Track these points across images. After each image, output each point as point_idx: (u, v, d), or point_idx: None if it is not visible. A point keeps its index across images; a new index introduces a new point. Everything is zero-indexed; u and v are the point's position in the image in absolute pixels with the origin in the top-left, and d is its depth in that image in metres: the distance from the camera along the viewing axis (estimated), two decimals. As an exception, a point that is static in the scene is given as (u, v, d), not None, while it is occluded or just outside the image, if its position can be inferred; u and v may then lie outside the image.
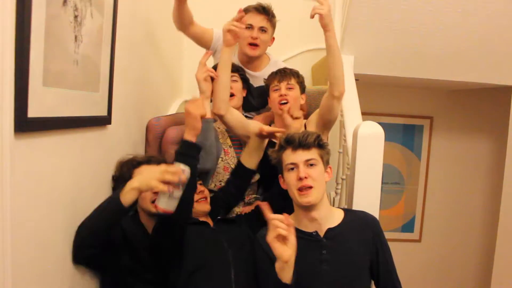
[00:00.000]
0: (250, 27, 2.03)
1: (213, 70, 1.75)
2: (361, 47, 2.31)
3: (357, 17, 2.15)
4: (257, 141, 1.64)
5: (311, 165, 1.31)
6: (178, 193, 1.24)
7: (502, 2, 2.07)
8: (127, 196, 1.22)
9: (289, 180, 1.32)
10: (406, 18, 2.14)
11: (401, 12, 2.11)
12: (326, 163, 1.36)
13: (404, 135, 3.46)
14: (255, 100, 2.09)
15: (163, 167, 1.23)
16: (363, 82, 2.56)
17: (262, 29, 2.04)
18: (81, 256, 1.26)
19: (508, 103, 2.67)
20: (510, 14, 2.11)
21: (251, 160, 1.67)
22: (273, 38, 2.14)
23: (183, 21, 2.01)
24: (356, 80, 2.13)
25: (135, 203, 1.33)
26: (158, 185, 1.19)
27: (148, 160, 1.56)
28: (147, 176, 1.23)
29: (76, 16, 1.14)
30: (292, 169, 1.31)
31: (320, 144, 1.34)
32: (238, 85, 1.93)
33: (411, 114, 3.45)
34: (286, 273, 1.13)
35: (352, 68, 2.26)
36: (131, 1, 1.70)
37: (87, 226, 1.25)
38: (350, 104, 1.93)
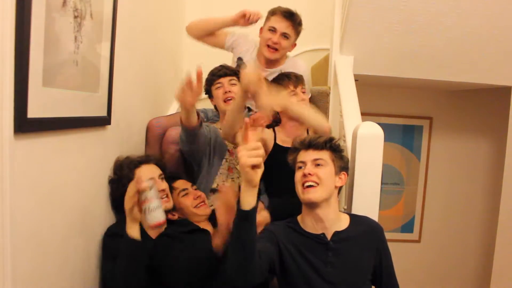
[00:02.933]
0: (273, 30, 2.02)
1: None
2: (361, 47, 2.31)
3: (357, 17, 2.15)
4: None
5: (319, 165, 1.33)
6: (153, 203, 1.23)
7: (502, 3, 2.07)
8: (133, 232, 1.24)
9: (296, 178, 1.35)
10: (405, 18, 2.14)
11: (401, 12, 2.11)
12: (339, 168, 1.36)
13: (404, 135, 3.46)
14: None
15: (128, 190, 1.23)
16: (363, 83, 2.56)
17: (285, 35, 2.03)
18: None
19: (508, 103, 2.67)
20: (510, 14, 2.11)
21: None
22: (295, 44, 2.14)
23: (203, 35, 2.07)
24: (355, 80, 2.13)
25: None
26: (131, 211, 1.22)
27: (147, 159, 1.57)
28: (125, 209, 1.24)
29: (76, 17, 1.14)
30: (301, 167, 1.34)
31: (333, 148, 1.36)
32: (238, 88, 1.92)
33: (411, 115, 3.45)
34: (250, 198, 1.08)
35: (351, 68, 2.26)
36: (131, 2, 1.70)
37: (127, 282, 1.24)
38: (349, 105, 1.93)
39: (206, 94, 1.99)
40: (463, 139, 3.47)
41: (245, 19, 1.90)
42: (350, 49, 2.32)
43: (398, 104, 3.43)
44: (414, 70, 2.45)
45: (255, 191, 1.09)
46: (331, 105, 2.31)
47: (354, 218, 1.40)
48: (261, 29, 2.13)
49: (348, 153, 1.70)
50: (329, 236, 1.32)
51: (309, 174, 1.29)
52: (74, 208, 1.25)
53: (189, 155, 1.85)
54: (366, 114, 2.05)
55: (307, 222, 1.35)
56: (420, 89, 3.40)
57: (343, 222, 1.37)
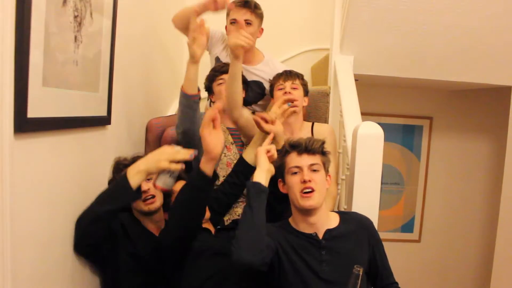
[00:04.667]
0: (234, 22, 2.05)
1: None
2: (361, 47, 2.31)
3: (357, 17, 2.15)
4: (261, 134, 1.63)
5: (315, 170, 1.34)
6: (177, 172, 1.33)
7: (501, 3, 2.07)
8: (135, 179, 1.25)
9: (292, 183, 1.34)
10: (406, 18, 2.14)
11: (401, 12, 2.11)
12: (326, 170, 1.39)
13: (404, 135, 3.46)
14: (249, 95, 2.11)
15: (172, 149, 1.30)
16: (363, 83, 2.56)
17: (247, 22, 2.05)
18: (83, 244, 1.26)
19: (508, 103, 2.67)
20: (510, 14, 2.11)
21: (252, 155, 1.62)
22: (262, 29, 2.15)
23: (185, 25, 2.03)
24: (355, 80, 2.13)
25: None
26: (169, 165, 1.27)
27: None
28: (154, 159, 1.29)
29: (76, 17, 1.14)
30: (296, 173, 1.34)
31: (323, 152, 1.38)
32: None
33: (411, 115, 3.45)
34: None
35: (351, 68, 2.26)
36: (131, 1, 1.70)
37: (91, 212, 1.24)
38: (349, 105, 1.93)
39: (206, 91, 1.99)
40: (463, 139, 3.47)
41: (215, 4, 1.91)
42: (350, 49, 2.32)
43: (398, 104, 3.43)
44: (414, 70, 2.45)
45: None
46: (331, 105, 2.30)
47: (343, 216, 1.42)
48: (226, 27, 2.14)
49: (348, 153, 1.70)
50: (321, 235, 1.34)
51: (309, 180, 1.30)
52: (74, 208, 1.25)
53: (186, 137, 1.77)
54: (366, 114, 2.05)
55: (299, 223, 1.36)
56: (420, 89, 3.40)
57: (333, 220, 1.39)
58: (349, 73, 2.18)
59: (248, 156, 1.65)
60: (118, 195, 1.26)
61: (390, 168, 3.44)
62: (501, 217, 2.64)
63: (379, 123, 1.53)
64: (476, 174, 3.48)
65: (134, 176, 1.25)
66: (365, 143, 1.51)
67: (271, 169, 1.37)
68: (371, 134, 1.51)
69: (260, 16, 2.11)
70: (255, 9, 2.08)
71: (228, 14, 2.10)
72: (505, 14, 2.11)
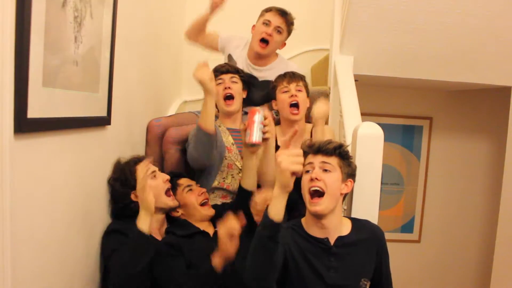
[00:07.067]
0: (267, 23, 2.08)
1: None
2: (361, 47, 2.31)
3: (357, 17, 2.15)
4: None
5: (326, 170, 1.31)
6: (261, 125, 1.45)
7: (501, 3, 2.07)
8: (145, 226, 1.30)
9: (303, 182, 1.32)
10: (405, 18, 2.14)
11: (401, 12, 2.11)
12: (346, 175, 1.34)
13: (404, 135, 3.46)
14: (258, 94, 2.11)
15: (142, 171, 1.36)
16: (362, 83, 2.56)
17: (278, 30, 2.10)
18: None
19: (507, 104, 2.67)
20: (510, 14, 2.11)
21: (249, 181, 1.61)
22: (284, 44, 2.20)
23: (200, 32, 2.13)
24: (355, 80, 2.13)
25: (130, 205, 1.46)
26: (145, 198, 1.32)
27: (141, 159, 1.58)
28: (143, 197, 1.32)
29: (75, 17, 1.14)
30: (308, 171, 1.32)
31: (341, 154, 1.34)
32: (238, 86, 1.93)
33: (411, 115, 3.45)
34: (281, 207, 1.11)
35: (351, 68, 2.26)
36: (131, 2, 1.70)
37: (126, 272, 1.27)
38: (349, 105, 1.93)
39: None
40: (463, 139, 3.47)
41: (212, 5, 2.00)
42: (350, 49, 2.32)
43: (398, 104, 3.43)
44: (414, 70, 2.45)
45: (286, 198, 1.10)
46: (331, 105, 2.30)
47: (356, 223, 1.40)
48: (254, 26, 2.17)
49: (348, 153, 1.70)
50: (332, 241, 1.32)
51: (316, 179, 1.28)
52: (74, 208, 1.26)
53: (198, 164, 1.81)
54: (366, 114, 2.05)
55: (311, 227, 1.34)
56: (420, 89, 3.40)
57: (346, 227, 1.37)
58: (349, 73, 2.18)
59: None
60: (147, 250, 1.31)
61: (390, 168, 3.44)
62: (501, 217, 2.64)
63: (379, 123, 1.53)
64: (476, 174, 3.48)
65: (141, 223, 1.30)
66: (365, 143, 1.50)
67: (291, 186, 1.11)
68: (371, 134, 1.51)
69: (289, 32, 2.18)
70: (290, 25, 2.15)
71: (262, 15, 2.14)
72: (505, 14, 2.11)
